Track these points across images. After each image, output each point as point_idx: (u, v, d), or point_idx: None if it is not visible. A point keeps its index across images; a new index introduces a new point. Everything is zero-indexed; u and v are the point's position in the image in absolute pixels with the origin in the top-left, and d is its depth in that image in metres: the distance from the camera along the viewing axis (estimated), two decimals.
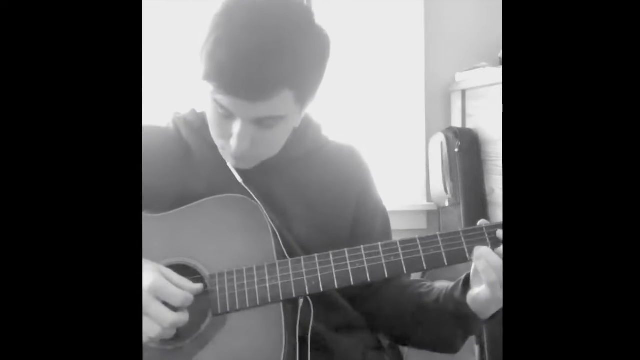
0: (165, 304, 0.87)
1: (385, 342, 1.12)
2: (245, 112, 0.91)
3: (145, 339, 0.87)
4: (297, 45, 0.90)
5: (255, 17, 0.89)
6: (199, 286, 0.91)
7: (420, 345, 1.07)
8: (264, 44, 0.87)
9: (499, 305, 0.90)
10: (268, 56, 0.87)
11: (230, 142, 0.95)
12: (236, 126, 0.93)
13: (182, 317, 0.88)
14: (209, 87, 0.92)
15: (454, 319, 0.95)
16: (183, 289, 0.89)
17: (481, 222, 0.92)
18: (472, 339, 1.83)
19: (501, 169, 1.96)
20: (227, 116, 0.93)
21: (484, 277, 0.86)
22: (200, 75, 0.92)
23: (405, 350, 1.18)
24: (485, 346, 1.81)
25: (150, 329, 0.86)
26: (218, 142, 1.00)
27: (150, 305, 0.86)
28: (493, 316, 0.94)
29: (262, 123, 0.93)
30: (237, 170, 1.03)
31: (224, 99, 0.91)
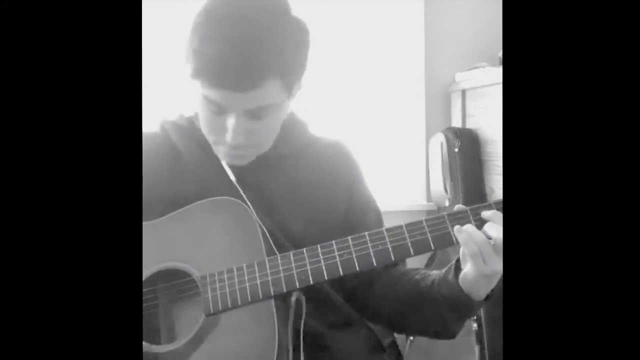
0: None
1: (386, 341, 1.12)
2: (237, 104, 0.93)
3: None
4: (277, 33, 0.92)
5: (234, 10, 0.91)
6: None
7: (418, 332, 1.07)
8: (247, 34, 0.90)
9: (487, 283, 0.91)
10: (252, 45, 0.89)
11: (226, 138, 0.96)
12: (230, 121, 0.94)
13: None
14: (198, 85, 0.93)
15: (449, 302, 0.96)
16: None
17: (457, 207, 0.92)
18: (473, 339, 1.83)
19: (501, 169, 1.96)
20: (220, 112, 0.95)
21: (466, 250, 0.87)
22: (188, 74, 0.94)
23: (405, 350, 1.18)
24: (486, 346, 1.82)
25: None
26: (212, 141, 1.01)
27: None
28: (487, 298, 0.94)
29: (254, 114, 0.94)
30: (230, 169, 1.03)
31: (214, 94, 0.92)
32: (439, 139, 2.13)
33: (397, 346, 1.15)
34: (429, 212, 2.25)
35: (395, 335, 1.16)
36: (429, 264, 1.69)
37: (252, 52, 0.89)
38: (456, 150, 2.06)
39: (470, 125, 2.14)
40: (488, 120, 2.05)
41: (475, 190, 2.07)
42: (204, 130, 1.01)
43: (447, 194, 2.08)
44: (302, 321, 0.95)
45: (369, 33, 2.22)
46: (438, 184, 2.13)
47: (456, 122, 2.20)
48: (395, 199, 2.23)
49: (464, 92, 2.16)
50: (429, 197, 2.24)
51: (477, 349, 1.83)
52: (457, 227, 0.88)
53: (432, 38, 2.22)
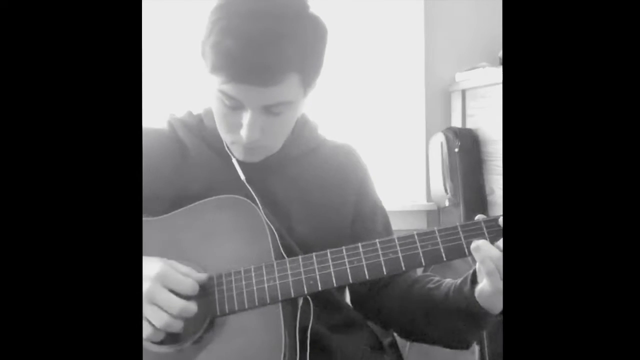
0: (173, 292, 0.88)
1: (385, 342, 1.11)
2: (256, 100, 0.93)
3: (148, 332, 0.87)
4: (298, 29, 0.92)
5: (254, 6, 0.91)
6: (204, 275, 0.92)
7: (431, 341, 1.06)
8: (268, 29, 0.89)
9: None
10: (275, 41, 0.89)
11: (241, 133, 0.96)
12: (246, 116, 0.94)
13: (191, 306, 0.88)
14: (216, 80, 0.92)
15: (464, 314, 0.95)
16: (190, 277, 0.90)
17: (479, 217, 0.91)
18: None
19: (501, 169, 1.96)
20: (236, 107, 0.94)
21: (483, 268, 0.86)
22: (207, 69, 0.93)
23: (405, 351, 1.18)
24: (485, 346, 1.81)
25: (158, 319, 0.86)
26: (226, 137, 1.01)
27: (157, 293, 0.86)
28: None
29: (270, 110, 0.94)
30: (239, 167, 1.03)
31: (234, 89, 0.91)
32: (439, 139, 2.13)
33: (397, 346, 1.15)
34: (429, 212, 2.25)
35: (396, 335, 1.16)
36: (426, 268, 1.69)
37: (273, 47, 0.89)
38: (456, 150, 2.06)
39: (470, 125, 2.14)
40: (488, 120, 2.05)
41: (475, 190, 2.07)
42: (219, 127, 1.00)
43: (447, 194, 2.08)
44: (310, 322, 0.94)
45: (368, 33, 2.22)
46: (438, 184, 2.13)
47: (456, 122, 2.20)
48: (395, 199, 2.23)
49: (464, 92, 2.16)
50: (429, 197, 2.24)
51: (477, 349, 1.83)
52: (473, 244, 0.86)
53: (432, 38, 2.22)
